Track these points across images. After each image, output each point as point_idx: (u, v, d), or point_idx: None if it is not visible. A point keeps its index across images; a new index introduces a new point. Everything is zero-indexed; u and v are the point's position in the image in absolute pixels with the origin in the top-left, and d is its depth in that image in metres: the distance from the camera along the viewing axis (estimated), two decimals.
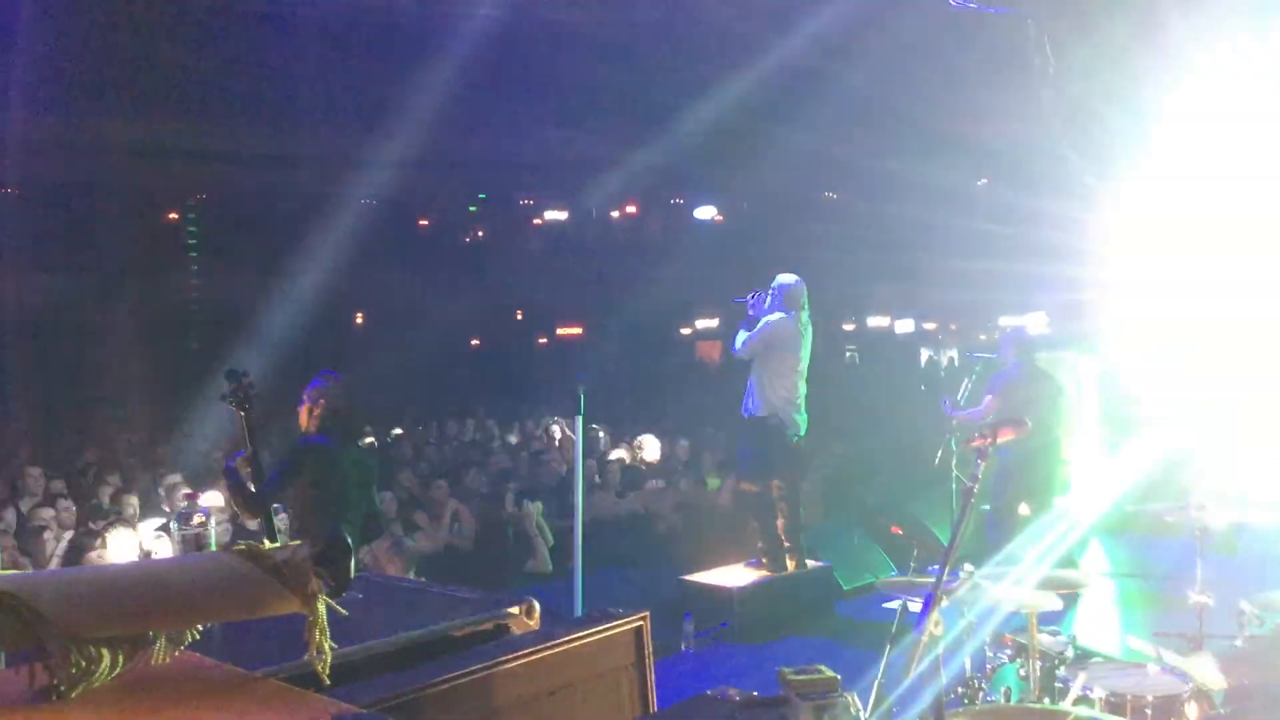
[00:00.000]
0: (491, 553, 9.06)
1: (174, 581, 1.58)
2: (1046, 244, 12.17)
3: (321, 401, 5.31)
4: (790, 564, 8.05)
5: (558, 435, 12.59)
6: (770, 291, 7.90)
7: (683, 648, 7.33)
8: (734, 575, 8.03)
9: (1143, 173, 10.77)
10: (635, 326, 25.38)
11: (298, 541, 1.66)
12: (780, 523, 8.01)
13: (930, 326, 25.25)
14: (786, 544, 8.03)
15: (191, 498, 2.86)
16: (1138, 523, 9.16)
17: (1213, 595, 5.28)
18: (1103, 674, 4.41)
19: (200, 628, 1.66)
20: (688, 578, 8.14)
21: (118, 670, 1.58)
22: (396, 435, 12.72)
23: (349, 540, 1.46)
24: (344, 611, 1.72)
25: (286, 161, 21.09)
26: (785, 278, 7.96)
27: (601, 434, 12.25)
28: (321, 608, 1.64)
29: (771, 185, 23.55)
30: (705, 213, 25.21)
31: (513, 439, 13.27)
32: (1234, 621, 5.05)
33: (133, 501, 7.76)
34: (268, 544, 1.66)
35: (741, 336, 7.89)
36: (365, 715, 1.40)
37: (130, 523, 7.75)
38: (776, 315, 7.78)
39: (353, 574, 1.46)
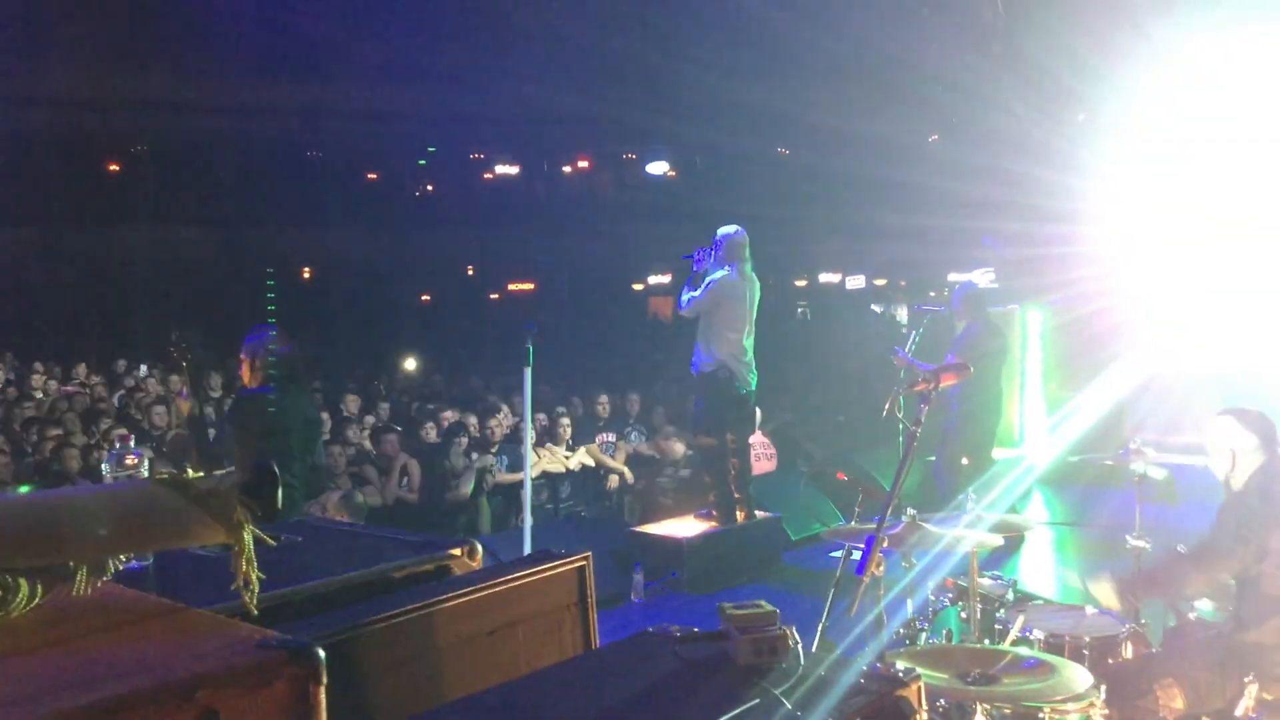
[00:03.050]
0: (440, 506, 9.03)
1: (93, 510, 1.53)
2: (996, 200, 12.26)
3: (261, 353, 5.26)
4: (740, 515, 8.10)
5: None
6: (712, 245, 7.88)
7: (632, 598, 7.38)
8: (683, 527, 8.07)
9: (1093, 127, 10.85)
10: (588, 282, 25.31)
11: (223, 470, 1.62)
12: (731, 475, 8.05)
13: (880, 282, 25.40)
14: (737, 495, 8.08)
15: (124, 439, 2.77)
16: (1080, 473, 9.34)
17: (1150, 540, 5.40)
18: (1041, 616, 4.50)
19: (122, 559, 1.63)
20: (637, 529, 8.18)
21: (36, 601, 1.53)
22: (346, 389, 12.59)
23: (276, 470, 1.43)
24: (271, 541, 1.69)
25: (231, 112, 20.68)
26: (726, 229, 7.94)
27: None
28: (248, 538, 1.60)
29: (724, 140, 23.47)
30: (658, 168, 25.07)
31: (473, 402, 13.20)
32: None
33: (74, 455, 7.63)
34: (191, 473, 1.63)
35: (687, 295, 7.86)
36: (290, 640, 1.37)
37: (70, 477, 7.65)
38: (721, 272, 7.75)
39: (280, 504, 1.43)
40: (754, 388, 8.03)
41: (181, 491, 1.56)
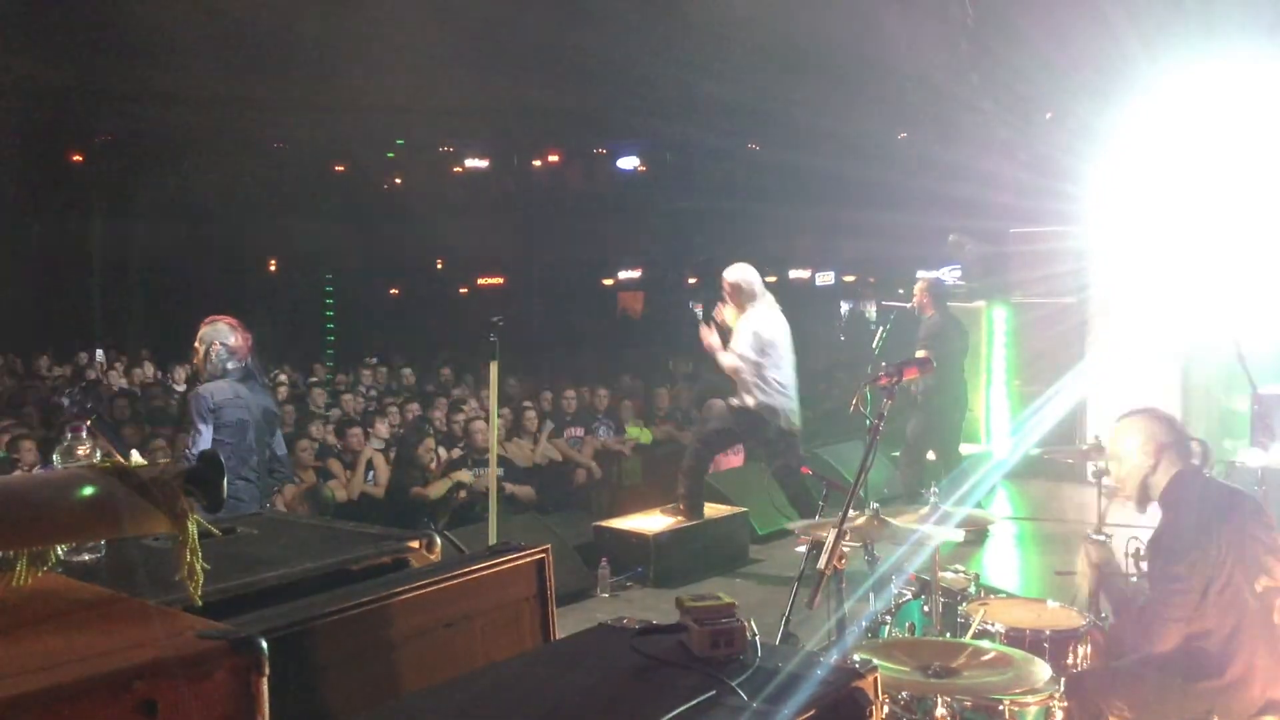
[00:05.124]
0: (407, 501, 8.97)
1: (33, 498, 1.50)
2: (963, 197, 12.35)
3: (215, 344, 5.21)
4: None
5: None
6: (735, 291, 7.34)
7: (599, 593, 7.36)
8: (650, 522, 8.05)
9: (1060, 126, 10.94)
10: (557, 277, 25.25)
11: (167, 460, 1.59)
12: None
13: (850, 279, 25.51)
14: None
15: (76, 429, 2.71)
16: (1046, 469, 9.41)
17: (1111, 535, 5.44)
18: (1003, 609, 4.52)
19: (63, 548, 1.59)
20: (604, 524, 8.14)
21: None
22: (312, 383, 12.50)
23: (221, 459, 1.41)
24: (217, 532, 1.66)
25: (196, 102, 20.46)
26: (737, 271, 7.40)
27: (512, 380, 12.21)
28: (192, 527, 1.57)
29: (695, 136, 23.49)
30: (628, 163, 25.05)
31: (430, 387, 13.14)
32: (1130, 560, 5.22)
33: (30, 447, 7.52)
34: (135, 460, 1.59)
35: (728, 359, 7.28)
36: (231, 631, 1.35)
37: (27, 470, 7.52)
38: (749, 317, 7.25)
39: (225, 494, 1.40)
40: (798, 422, 7.61)
41: (124, 480, 1.53)
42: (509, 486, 9.24)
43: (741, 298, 7.33)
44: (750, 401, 7.35)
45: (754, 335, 7.26)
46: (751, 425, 7.46)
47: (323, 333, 19.69)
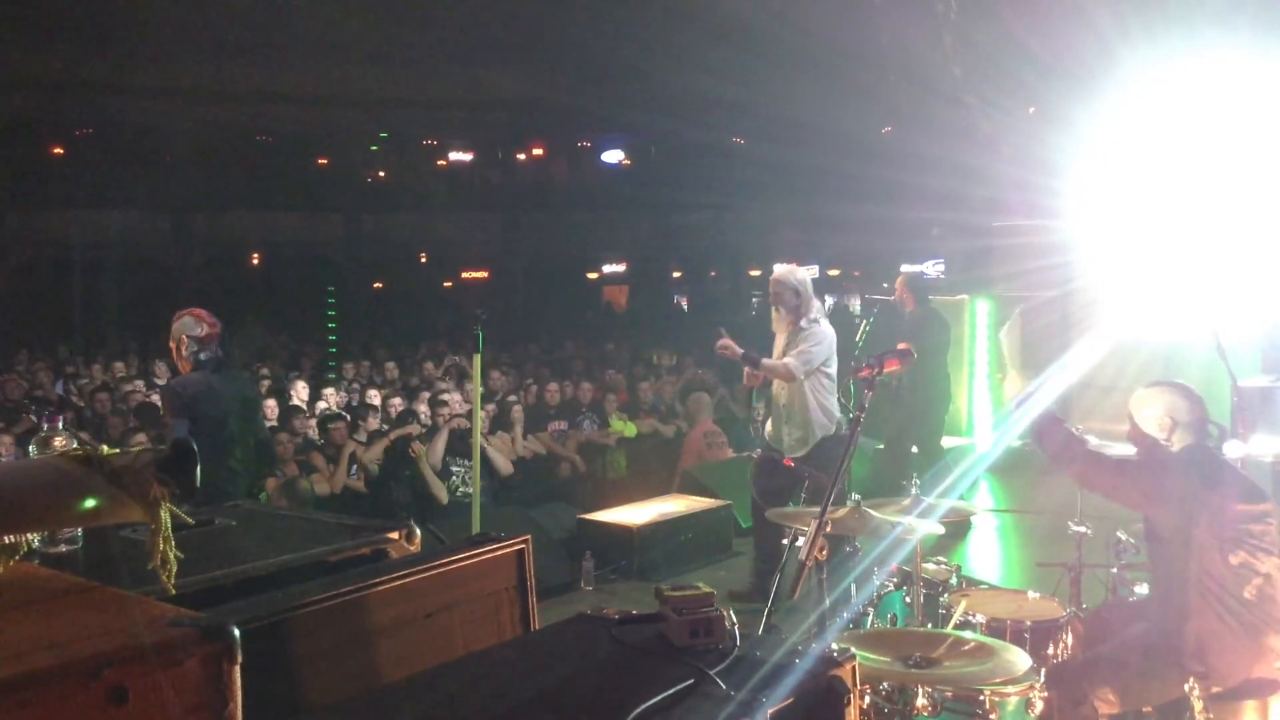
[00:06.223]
0: (389, 495, 8.94)
1: (3, 487, 1.49)
2: (947, 192, 12.38)
3: (183, 338, 5.20)
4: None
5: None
6: (786, 290, 6.63)
7: (582, 586, 7.36)
8: (634, 514, 8.05)
9: (1043, 120, 10.97)
10: (542, 270, 25.22)
11: (139, 448, 1.58)
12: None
13: (834, 273, 25.57)
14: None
15: (53, 420, 2.69)
16: (1028, 461, 9.45)
17: (1091, 527, 5.47)
18: (984, 600, 4.54)
19: (35, 537, 1.57)
20: (587, 516, 8.14)
21: None
22: (293, 376, 12.43)
23: (194, 446, 1.40)
24: (190, 520, 1.64)
25: (177, 94, 20.34)
26: (795, 271, 6.82)
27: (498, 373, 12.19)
28: (165, 516, 1.56)
29: (680, 129, 23.49)
30: (613, 156, 25.03)
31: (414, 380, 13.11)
32: (1110, 551, 5.25)
33: (6, 442, 7.48)
34: (106, 449, 1.58)
35: (796, 365, 6.49)
36: (203, 619, 1.34)
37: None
38: (821, 322, 6.65)
39: (198, 481, 1.39)
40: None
41: (95, 468, 1.52)
42: (494, 457, 9.18)
43: (802, 302, 6.64)
44: (825, 421, 6.63)
45: (829, 346, 6.63)
46: (833, 451, 6.39)
47: (324, 327, 19.58)
